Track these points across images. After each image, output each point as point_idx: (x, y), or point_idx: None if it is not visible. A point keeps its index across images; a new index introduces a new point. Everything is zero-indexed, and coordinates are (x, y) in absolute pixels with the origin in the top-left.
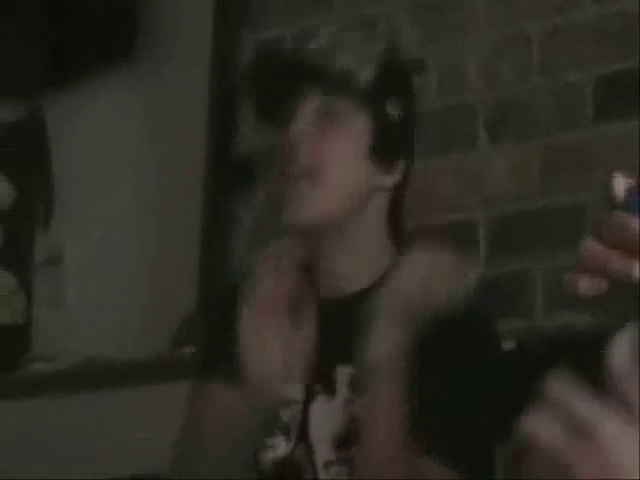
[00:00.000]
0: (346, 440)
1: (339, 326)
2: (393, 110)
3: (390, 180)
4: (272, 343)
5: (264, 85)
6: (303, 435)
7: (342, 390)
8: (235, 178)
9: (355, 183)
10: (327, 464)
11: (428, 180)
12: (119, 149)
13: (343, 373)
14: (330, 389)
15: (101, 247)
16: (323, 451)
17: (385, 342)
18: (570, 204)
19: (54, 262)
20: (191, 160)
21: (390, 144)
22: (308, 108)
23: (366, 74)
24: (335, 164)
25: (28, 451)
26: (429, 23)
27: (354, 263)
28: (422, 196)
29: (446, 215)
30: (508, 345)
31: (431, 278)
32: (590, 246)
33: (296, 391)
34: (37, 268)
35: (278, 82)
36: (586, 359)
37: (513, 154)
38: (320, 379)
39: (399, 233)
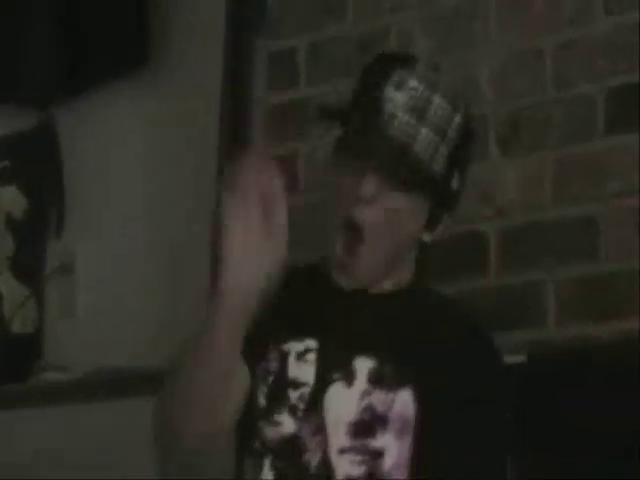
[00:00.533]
0: (362, 429)
1: (362, 319)
2: (455, 184)
3: (430, 237)
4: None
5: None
6: (314, 418)
7: (360, 381)
8: None
9: (405, 244)
10: (342, 450)
11: None
12: (131, 158)
13: (363, 365)
14: (348, 378)
15: (113, 256)
16: (338, 437)
17: None
18: (581, 215)
19: (66, 271)
20: (203, 169)
21: (445, 213)
22: (374, 167)
23: (441, 157)
24: (387, 229)
25: (40, 459)
26: (442, 35)
27: (379, 268)
28: None
29: (458, 226)
30: (519, 357)
31: None
32: None
33: (306, 374)
34: (49, 277)
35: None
36: (599, 371)
37: (525, 165)
38: (339, 368)
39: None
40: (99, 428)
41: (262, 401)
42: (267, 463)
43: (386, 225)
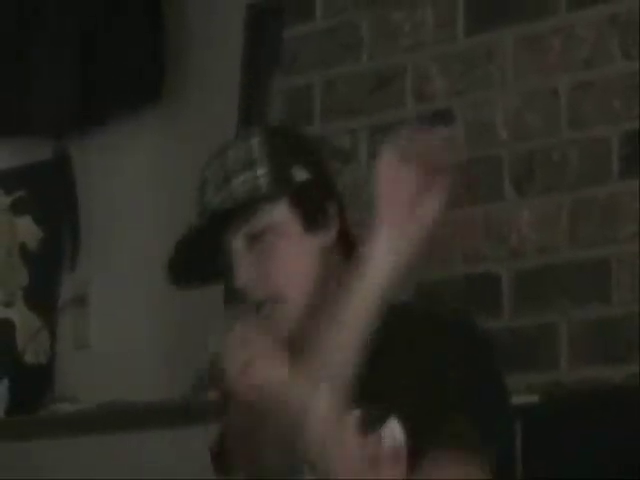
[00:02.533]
0: None
1: None
2: (299, 175)
3: (326, 239)
4: None
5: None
6: None
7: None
8: None
9: (310, 265)
10: None
11: (454, 231)
12: (145, 190)
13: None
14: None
15: (126, 288)
16: None
17: None
18: (595, 258)
19: (79, 302)
20: None
21: (311, 209)
22: (237, 247)
23: (263, 174)
24: (290, 278)
25: None
26: (458, 74)
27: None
28: (448, 248)
29: (471, 267)
30: (532, 398)
31: None
32: None
33: None
34: (62, 308)
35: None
36: (611, 414)
37: (539, 207)
38: None
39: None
40: (110, 460)
41: None
42: None
43: (285, 282)
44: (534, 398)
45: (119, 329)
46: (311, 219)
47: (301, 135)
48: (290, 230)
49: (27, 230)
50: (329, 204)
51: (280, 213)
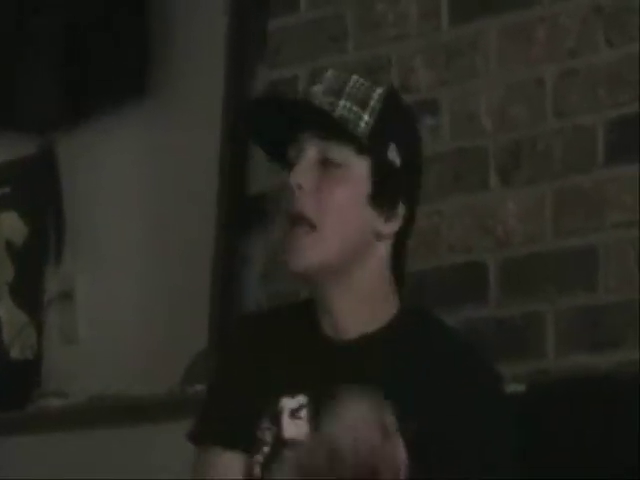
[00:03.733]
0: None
1: (347, 368)
2: (394, 157)
3: (390, 227)
4: None
5: (264, 127)
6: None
7: None
8: (247, 216)
9: (354, 231)
10: None
11: (440, 222)
12: (131, 185)
13: None
14: None
15: (112, 283)
16: None
17: None
18: (582, 246)
19: (65, 297)
20: (204, 197)
21: (390, 191)
22: (309, 155)
23: (366, 121)
24: (333, 214)
25: None
26: (442, 65)
27: (357, 309)
28: (434, 238)
29: (458, 256)
30: (518, 387)
31: None
32: None
33: (301, 432)
34: (48, 303)
35: (278, 126)
36: (598, 402)
37: (525, 196)
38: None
39: (400, 280)
40: (98, 455)
41: (257, 472)
42: None
43: (332, 207)
44: (521, 387)
45: (106, 323)
46: (380, 198)
47: (415, 123)
48: (359, 190)
49: (12, 226)
50: (403, 201)
51: (359, 167)
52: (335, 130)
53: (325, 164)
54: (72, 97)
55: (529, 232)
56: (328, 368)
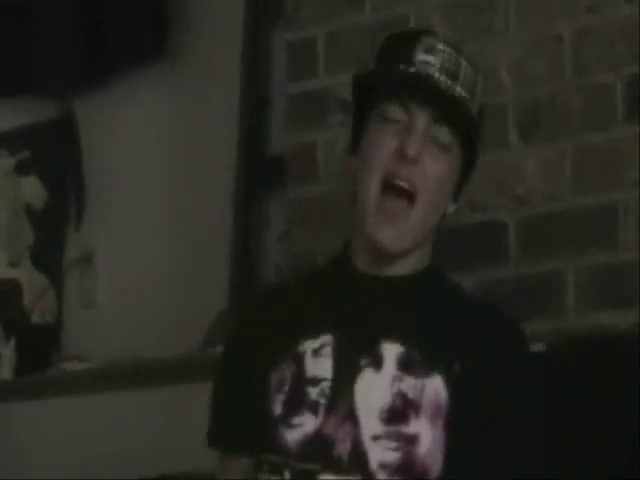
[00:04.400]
0: (393, 415)
1: (384, 302)
2: (478, 151)
3: (453, 208)
4: None
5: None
6: (341, 408)
7: (389, 366)
8: (266, 177)
9: (438, 213)
10: (375, 437)
11: None
12: (150, 147)
13: (391, 350)
14: (377, 363)
15: (132, 246)
16: (371, 424)
17: None
18: (602, 203)
19: (85, 261)
20: (223, 158)
21: (465, 183)
22: (420, 127)
23: (474, 111)
24: (432, 193)
25: (59, 449)
26: (460, 23)
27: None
28: None
29: (477, 215)
30: (539, 346)
31: None
32: None
33: (325, 369)
34: (68, 267)
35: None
36: (617, 360)
37: (544, 154)
38: (366, 353)
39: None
40: (119, 417)
41: (278, 409)
42: (287, 475)
43: (433, 184)
44: (541, 346)
45: (126, 286)
46: (461, 186)
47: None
48: (453, 176)
49: (32, 190)
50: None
51: (458, 155)
52: (450, 115)
53: (432, 143)
54: (90, 60)
55: (549, 190)
56: (360, 304)
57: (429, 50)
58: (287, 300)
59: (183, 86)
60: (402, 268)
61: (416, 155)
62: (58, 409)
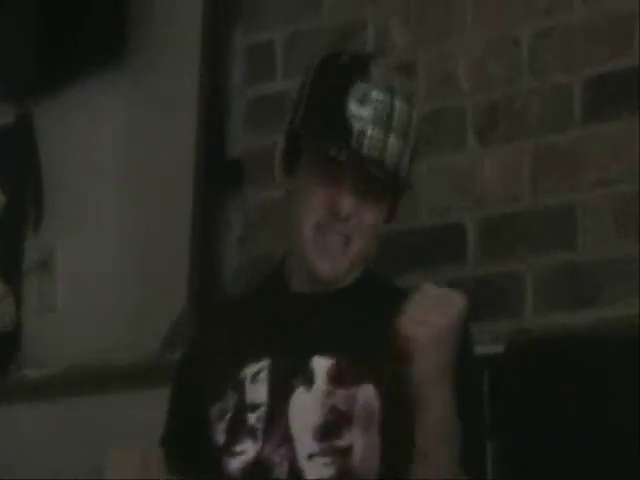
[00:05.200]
0: (328, 431)
1: (317, 319)
2: (407, 174)
3: (386, 225)
4: None
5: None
6: (277, 430)
7: (320, 381)
8: (225, 180)
9: (375, 239)
10: (310, 456)
11: (418, 183)
12: (108, 153)
13: (321, 364)
14: (308, 380)
15: (91, 251)
16: (306, 444)
17: None
18: (560, 205)
19: (44, 267)
20: (181, 162)
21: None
22: (350, 180)
23: (407, 161)
24: (366, 235)
25: (17, 455)
26: (419, 26)
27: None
28: (412, 198)
29: (436, 217)
30: (497, 347)
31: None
32: None
33: (261, 393)
34: (27, 273)
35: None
36: (575, 360)
37: (502, 156)
38: (298, 372)
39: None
40: (77, 424)
41: (221, 439)
42: None
43: (369, 230)
44: (500, 347)
45: (85, 291)
46: (391, 216)
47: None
48: (385, 212)
49: None
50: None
51: (389, 195)
52: (379, 188)
53: (364, 192)
54: (49, 65)
55: (507, 192)
56: (292, 325)
57: (362, 101)
58: (230, 325)
59: (141, 89)
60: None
61: (348, 214)
62: (17, 415)
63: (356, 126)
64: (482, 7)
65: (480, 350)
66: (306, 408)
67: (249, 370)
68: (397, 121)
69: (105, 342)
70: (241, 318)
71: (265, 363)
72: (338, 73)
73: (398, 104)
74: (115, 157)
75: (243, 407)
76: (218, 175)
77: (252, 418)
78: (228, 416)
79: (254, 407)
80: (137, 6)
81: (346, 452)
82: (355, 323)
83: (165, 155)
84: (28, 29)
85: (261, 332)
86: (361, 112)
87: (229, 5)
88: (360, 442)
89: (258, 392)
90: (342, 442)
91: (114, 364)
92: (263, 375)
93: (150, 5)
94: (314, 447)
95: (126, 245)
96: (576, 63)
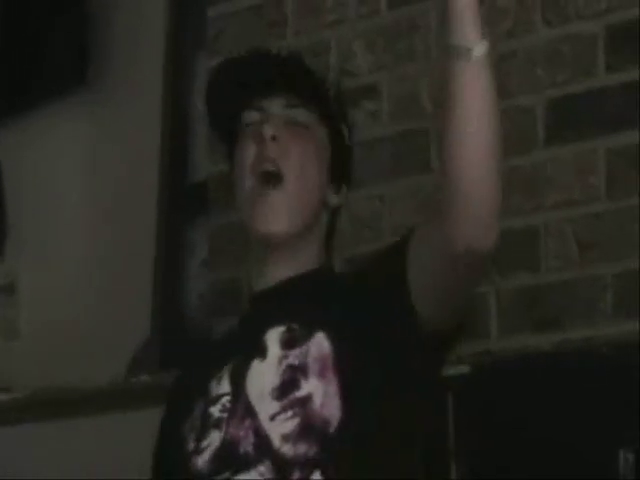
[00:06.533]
0: (285, 388)
1: (270, 304)
2: (346, 135)
3: (337, 200)
4: None
5: (222, 93)
6: (240, 408)
7: (274, 349)
8: (189, 204)
9: (316, 190)
10: (272, 416)
11: (382, 205)
12: (73, 177)
13: (273, 334)
14: (261, 351)
15: (55, 276)
16: (266, 407)
17: None
18: (523, 226)
19: (8, 291)
20: (145, 187)
21: (343, 165)
22: (276, 116)
23: (330, 93)
24: (299, 165)
25: None
26: (382, 49)
27: (294, 272)
28: (376, 220)
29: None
30: (463, 368)
31: None
32: None
33: (224, 386)
34: None
35: (236, 92)
36: (540, 381)
37: None
38: (252, 348)
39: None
40: (43, 448)
41: (191, 446)
42: None
43: (298, 160)
44: (465, 369)
45: (49, 317)
46: (335, 170)
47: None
48: (321, 151)
49: None
50: (347, 180)
51: (321, 132)
52: (301, 95)
53: (290, 124)
54: (10, 90)
55: None
56: (253, 319)
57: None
58: (205, 344)
59: (104, 114)
60: (290, 270)
61: (273, 134)
62: None
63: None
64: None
65: (445, 371)
66: (262, 375)
67: (214, 379)
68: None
69: (68, 367)
70: (215, 337)
71: (228, 367)
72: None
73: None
74: (78, 183)
75: (207, 406)
76: (182, 200)
77: (216, 411)
78: (197, 423)
79: (217, 399)
80: (99, 32)
81: (306, 401)
82: (304, 293)
83: (129, 180)
84: None
85: (226, 342)
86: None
87: (192, 29)
88: (319, 388)
89: (221, 387)
90: (301, 393)
91: (80, 388)
92: (225, 375)
93: (112, 31)
94: (274, 407)
95: (90, 270)
96: (539, 85)
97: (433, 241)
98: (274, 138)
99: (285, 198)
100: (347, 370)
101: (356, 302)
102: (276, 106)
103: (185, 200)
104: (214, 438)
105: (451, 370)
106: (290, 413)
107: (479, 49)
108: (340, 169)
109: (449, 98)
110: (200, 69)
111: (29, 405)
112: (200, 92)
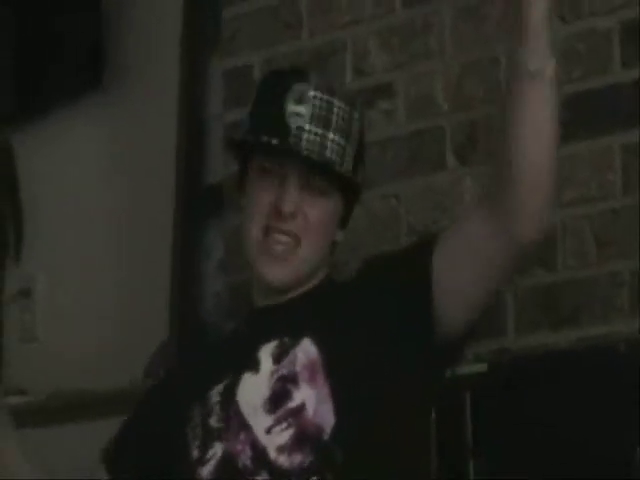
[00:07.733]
0: (277, 400)
1: (267, 320)
2: (360, 179)
3: (342, 235)
4: None
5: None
6: (235, 421)
7: (266, 364)
8: (205, 206)
9: (327, 247)
10: (268, 429)
11: (398, 204)
12: (89, 181)
13: (265, 349)
14: (254, 366)
15: (72, 279)
16: (260, 420)
17: None
18: None
19: (25, 295)
20: (161, 190)
21: (350, 212)
22: (293, 181)
23: (350, 156)
24: (316, 234)
25: None
26: (397, 48)
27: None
28: (392, 219)
29: (415, 236)
30: (480, 367)
31: None
32: None
33: (217, 397)
34: (7, 301)
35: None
36: (557, 379)
37: (482, 175)
38: (246, 363)
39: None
40: (60, 452)
41: (196, 453)
42: None
43: (316, 228)
44: (482, 367)
45: (66, 320)
46: (347, 218)
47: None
48: (336, 213)
49: None
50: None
51: (338, 195)
52: (319, 170)
53: (307, 187)
54: (28, 92)
55: None
56: (251, 334)
57: (299, 100)
58: (203, 351)
59: (120, 117)
60: (293, 293)
61: (292, 211)
62: None
63: (294, 123)
64: (460, 27)
65: (463, 370)
66: (253, 388)
67: (216, 390)
68: (336, 118)
69: (86, 370)
70: (213, 345)
71: (227, 381)
72: (278, 80)
73: (337, 103)
74: (95, 185)
75: (205, 416)
76: (198, 202)
77: (214, 422)
78: (198, 430)
79: (212, 410)
80: (114, 35)
81: (299, 411)
82: (299, 308)
83: (145, 183)
84: (7, 58)
85: (223, 354)
86: (299, 109)
87: (207, 30)
88: (310, 395)
89: (215, 398)
90: (294, 403)
91: (96, 391)
92: (221, 387)
93: (127, 33)
94: (268, 420)
95: (107, 273)
96: None
97: (474, 236)
98: (293, 216)
99: (299, 257)
100: (337, 372)
101: (351, 306)
102: (296, 171)
103: (201, 202)
104: (217, 450)
105: (469, 368)
106: (285, 424)
107: (551, 68)
108: (349, 214)
109: (520, 114)
110: (215, 70)
111: (45, 408)
112: (216, 94)
